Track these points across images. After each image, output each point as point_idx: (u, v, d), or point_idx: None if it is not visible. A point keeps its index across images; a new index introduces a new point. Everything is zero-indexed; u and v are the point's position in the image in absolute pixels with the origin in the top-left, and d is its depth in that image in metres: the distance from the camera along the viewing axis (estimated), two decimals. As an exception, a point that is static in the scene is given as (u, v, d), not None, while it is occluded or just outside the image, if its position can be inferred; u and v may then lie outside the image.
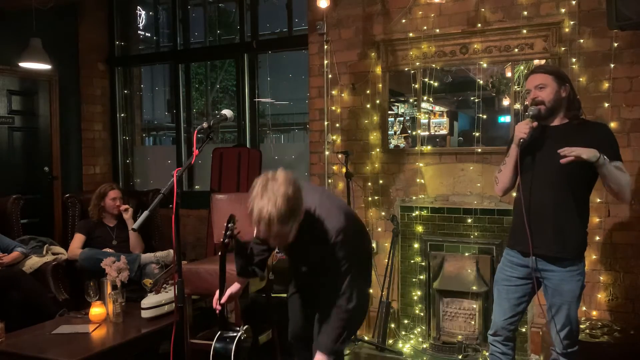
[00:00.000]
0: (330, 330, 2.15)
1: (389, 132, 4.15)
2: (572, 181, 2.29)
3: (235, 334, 2.34)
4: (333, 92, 4.17)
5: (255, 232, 1.95)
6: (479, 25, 3.67)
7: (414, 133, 4.07)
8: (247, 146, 5.01)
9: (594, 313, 3.42)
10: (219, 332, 2.36)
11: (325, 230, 2.04)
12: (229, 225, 2.27)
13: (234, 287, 2.43)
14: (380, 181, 4.03)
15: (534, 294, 2.43)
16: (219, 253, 2.30)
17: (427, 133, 4.14)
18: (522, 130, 2.28)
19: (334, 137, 4.18)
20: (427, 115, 4.18)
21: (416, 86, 3.92)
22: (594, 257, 3.38)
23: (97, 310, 3.11)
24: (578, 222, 2.33)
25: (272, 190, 1.86)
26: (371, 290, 4.02)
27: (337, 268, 2.09)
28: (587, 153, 2.15)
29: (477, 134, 3.73)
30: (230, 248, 2.27)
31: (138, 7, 6.17)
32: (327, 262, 2.11)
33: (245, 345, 2.37)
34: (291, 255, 2.39)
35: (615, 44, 3.31)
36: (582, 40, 3.40)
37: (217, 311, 2.36)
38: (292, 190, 1.89)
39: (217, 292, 2.35)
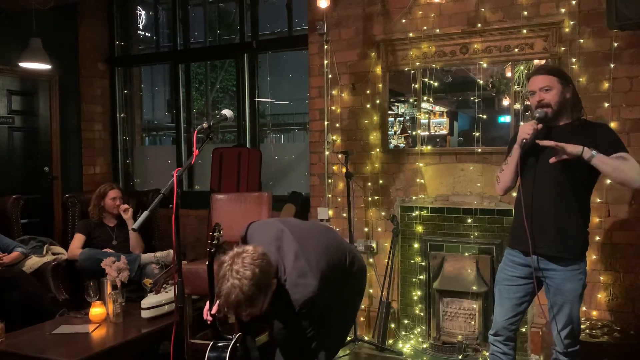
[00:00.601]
0: None
1: (389, 132, 4.15)
2: (573, 181, 2.29)
3: (228, 343, 2.34)
4: (333, 92, 4.16)
5: (225, 310, 1.92)
6: (479, 25, 3.67)
7: (414, 133, 4.07)
8: (247, 146, 5.01)
9: (594, 313, 3.42)
10: (212, 342, 2.36)
11: (289, 303, 1.97)
12: (214, 234, 2.26)
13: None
14: (380, 181, 4.03)
15: (536, 294, 2.44)
16: (206, 263, 2.28)
17: (427, 133, 4.14)
18: (526, 131, 2.29)
19: (334, 137, 4.18)
20: (427, 115, 4.18)
21: (416, 86, 3.92)
22: (594, 257, 3.38)
23: (97, 310, 3.11)
24: (579, 221, 2.33)
25: (239, 272, 1.82)
26: (371, 290, 4.04)
27: (303, 333, 2.06)
28: (570, 147, 2.15)
29: (477, 134, 3.73)
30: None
31: (138, 7, 6.17)
32: (292, 326, 2.08)
33: (238, 354, 2.36)
34: None
35: (615, 44, 3.31)
36: (582, 40, 3.40)
37: (209, 322, 2.35)
38: (260, 269, 1.85)
39: (207, 302, 2.34)
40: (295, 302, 1.96)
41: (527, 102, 2.49)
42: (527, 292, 2.43)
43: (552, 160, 2.16)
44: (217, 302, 2.32)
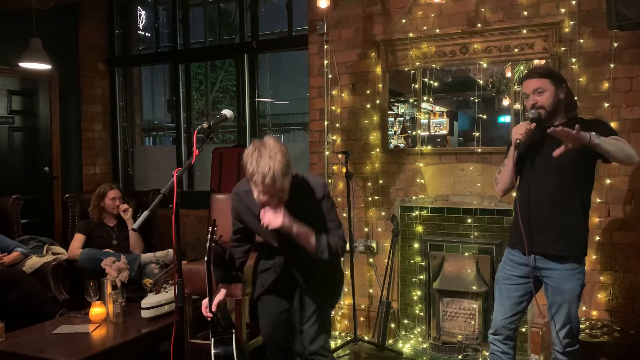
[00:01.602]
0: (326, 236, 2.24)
1: (389, 132, 4.15)
2: (572, 179, 2.29)
3: (230, 337, 2.34)
4: (333, 92, 4.16)
5: (257, 194, 2.05)
6: (479, 25, 3.68)
7: (414, 133, 4.07)
8: (247, 146, 5.00)
9: (594, 313, 3.42)
10: (213, 339, 2.36)
11: (313, 186, 2.25)
12: (215, 229, 2.27)
13: (221, 295, 2.45)
14: (380, 181, 4.03)
15: (535, 293, 2.44)
16: (205, 259, 2.29)
17: (427, 133, 4.14)
18: (519, 131, 2.29)
19: (334, 137, 4.18)
20: (427, 115, 4.18)
21: (416, 86, 3.92)
22: (594, 257, 3.38)
23: (97, 310, 3.11)
24: (579, 220, 2.33)
25: (269, 150, 2.04)
26: (371, 290, 4.04)
27: (325, 217, 2.27)
28: (582, 135, 2.10)
29: (477, 134, 3.74)
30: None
31: (138, 7, 6.18)
32: (319, 215, 2.25)
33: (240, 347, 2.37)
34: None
35: (615, 44, 3.31)
36: (582, 40, 3.40)
37: (209, 319, 2.35)
38: (285, 149, 2.10)
39: (207, 299, 2.35)
40: (317, 185, 2.26)
41: (524, 102, 2.49)
42: (526, 292, 2.43)
43: (556, 153, 2.13)
44: (215, 300, 2.33)
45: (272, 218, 2.10)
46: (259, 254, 2.53)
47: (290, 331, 2.48)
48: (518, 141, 2.28)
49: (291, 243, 2.25)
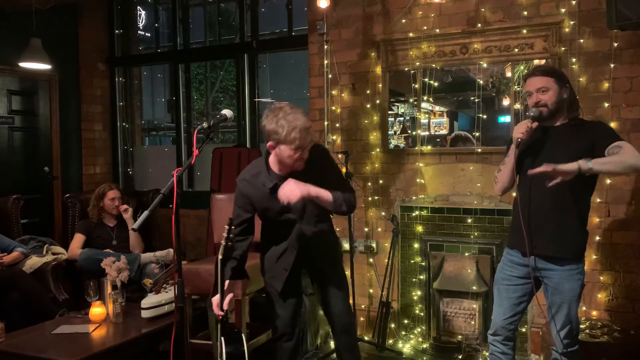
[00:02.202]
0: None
1: (389, 132, 4.15)
2: (572, 182, 2.28)
3: (238, 336, 2.35)
4: (333, 92, 4.16)
5: (293, 152, 2.19)
6: (479, 25, 3.68)
7: (414, 133, 4.07)
8: (247, 146, 5.01)
9: (594, 313, 3.42)
10: (222, 338, 2.36)
11: (320, 147, 2.46)
12: (232, 227, 2.27)
13: (230, 292, 2.46)
14: (380, 181, 4.03)
15: (534, 294, 2.44)
16: (219, 256, 2.29)
17: (427, 133, 4.14)
18: (520, 130, 2.28)
19: (334, 137, 4.18)
20: (427, 115, 4.18)
21: (416, 86, 3.92)
22: (594, 257, 3.38)
23: (97, 310, 3.11)
24: (577, 221, 2.33)
25: (288, 109, 2.20)
26: (371, 290, 4.04)
27: (334, 175, 2.45)
28: (567, 167, 2.09)
29: (477, 134, 3.73)
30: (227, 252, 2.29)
31: (138, 7, 6.17)
32: (329, 172, 2.43)
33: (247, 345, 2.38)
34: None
35: (615, 44, 3.31)
36: (582, 40, 3.40)
37: (220, 316, 2.35)
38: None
39: (218, 297, 2.35)
40: (320, 145, 2.49)
41: (526, 103, 2.48)
42: (525, 292, 2.43)
43: (550, 184, 2.12)
44: (227, 297, 2.35)
45: (288, 193, 2.19)
46: (264, 248, 2.57)
47: (302, 325, 2.55)
48: (519, 140, 2.28)
49: (306, 204, 2.37)
